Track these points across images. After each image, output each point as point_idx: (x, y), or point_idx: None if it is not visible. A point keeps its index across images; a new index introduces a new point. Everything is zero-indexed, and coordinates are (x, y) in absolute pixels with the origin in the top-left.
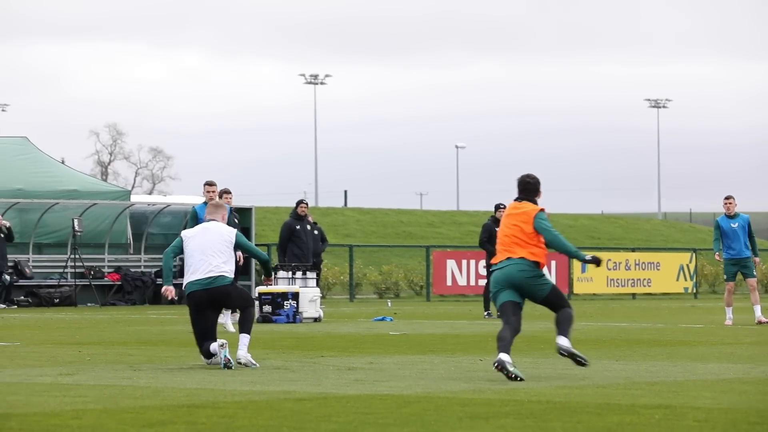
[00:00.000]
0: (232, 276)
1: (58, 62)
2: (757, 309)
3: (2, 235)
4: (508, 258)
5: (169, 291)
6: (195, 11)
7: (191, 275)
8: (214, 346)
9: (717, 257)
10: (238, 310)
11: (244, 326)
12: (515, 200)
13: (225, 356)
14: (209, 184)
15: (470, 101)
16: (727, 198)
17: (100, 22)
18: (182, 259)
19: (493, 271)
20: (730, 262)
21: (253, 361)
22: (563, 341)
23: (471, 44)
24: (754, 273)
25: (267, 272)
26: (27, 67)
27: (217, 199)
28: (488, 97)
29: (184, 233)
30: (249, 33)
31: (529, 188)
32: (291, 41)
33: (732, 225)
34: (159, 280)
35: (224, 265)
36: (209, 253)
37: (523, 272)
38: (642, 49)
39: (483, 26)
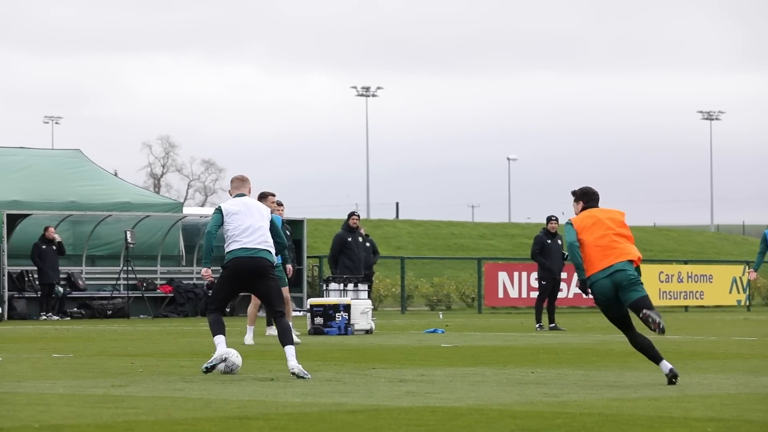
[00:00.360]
0: (275, 256)
1: (113, 75)
2: None
3: (54, 248)
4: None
5: (207, 274)
6: (250, 24)
7: (237, 244)
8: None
9: (751, 275)
10: (271, 312)
11: (286, 338)
12: (593, 207)
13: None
14: (272, 194)
15: (522, 114)
16: None
17: (155, 35)
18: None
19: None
20: None
21: (306, 372)
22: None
23: (524, 57)
24: None
25: (284, 259)
26: (80, 80)
27: (279, 209)
28: (540, 110)
29: (225, 207)
30: (302, 46)
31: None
32: (344, 54)
33: None
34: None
35: (270, 241)
36: (256, 226)
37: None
38: (694, 62)
39: (536, 39)
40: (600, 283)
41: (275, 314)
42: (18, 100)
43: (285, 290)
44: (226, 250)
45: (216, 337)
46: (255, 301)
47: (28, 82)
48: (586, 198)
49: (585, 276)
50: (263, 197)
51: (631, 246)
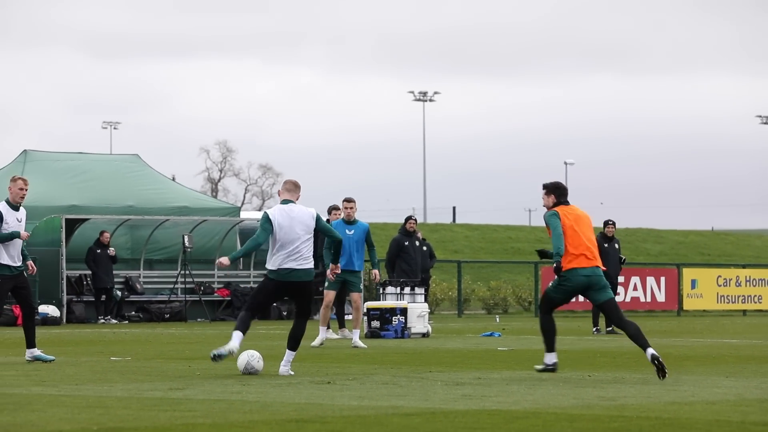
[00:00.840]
0: (313, 265)
1: (171, 80)
2: None
3: (108, 253)
4: (596, 267)
5: (225, 262)
6: (308, 29)
7: (278, 262)
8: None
9: None
10: (295, 310)
11: (293, 343)
12: (566, 203)
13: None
14: (348, 200)
15: (580, 118)
16: None
17: (214, 40)
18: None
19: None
20: None
21: (291, 372)
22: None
23: (581, 60)
24: None
25: (336, 256)
26: (139, 86)
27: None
28: (598, 114)
29: (271, 213)
30: (360, 51)
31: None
32: (402, 58)
33: None
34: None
35: (309, 254)
36: (297, 242)
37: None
38: (752, 65)
39: (595, 43)
40: (577, 278)
41: (297, 315)
42: (77, 105)
43: (357, 296)
44: (269, 261)
45: (235, 331)
46: (326, 302)
47: (87, 87)
48: (558, 192)
49: (561, 264)
50: (335, 209)
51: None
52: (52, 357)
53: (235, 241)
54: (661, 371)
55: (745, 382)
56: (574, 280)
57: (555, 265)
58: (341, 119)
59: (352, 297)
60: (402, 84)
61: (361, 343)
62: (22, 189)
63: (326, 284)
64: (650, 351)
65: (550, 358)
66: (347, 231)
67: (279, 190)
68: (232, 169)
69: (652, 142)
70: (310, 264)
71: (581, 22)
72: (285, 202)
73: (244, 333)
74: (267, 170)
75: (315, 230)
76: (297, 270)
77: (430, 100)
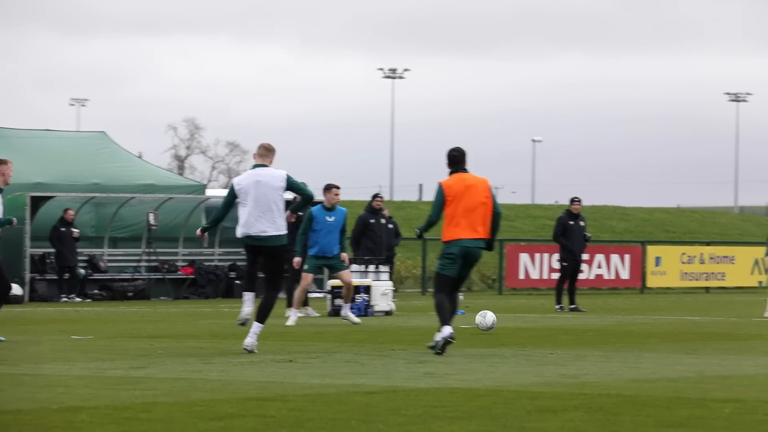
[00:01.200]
0: (284, 231)
1: (142, 58)
2: None
3: (72, 233)
4: (477, 239)
5: (198, 233)
6: (280, 7)
7: (245, 224)
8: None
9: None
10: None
11: (261, 315)
12: (460, 172)
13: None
14: (336, 187)
15: (548, 96)
16: None
17: (186, 17)
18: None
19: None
20: None
21: (255, 350)
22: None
23: (549, 40)
24: None
25: (299, 206)
26: (107, 63)
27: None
28: (567, 93)
29: (236, 182)
30: (332, 28)
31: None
32: (373, 36)
33: None
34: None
35: (278, 219)
36: (263, 206)
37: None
38: (722, 43)
39: (563, 22)
40: (454, 248)
41: (266, 285)
42: (45, 82)
43: (346, 273)
44: (238, 227)
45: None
46: (303, 285)
47: (55, 64)
48: (449, 161)
49: (423, 231)
50: (327, 190)
51: (488, 218)
52: (3, 338)
53: (201, 219)
54: (442, 348)
55: (707, 360)
56: (453, 250)
57: (417, 231)
58: (311, 96)
59: (341, 276)
60: (373, 62)
61: (353, 317)
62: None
63: (305, 267)
64: (448, 329)
65: (446, 330)
66: (327, 218)
67: (254, 155)
68: (200, 147)
69: (620, 120)
70: (280, 230)
71: (552, 2)
72: (256, 166)
73: (254, 292)
74: (234, 147)
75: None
76: (265, 234)
77: (400, 77)
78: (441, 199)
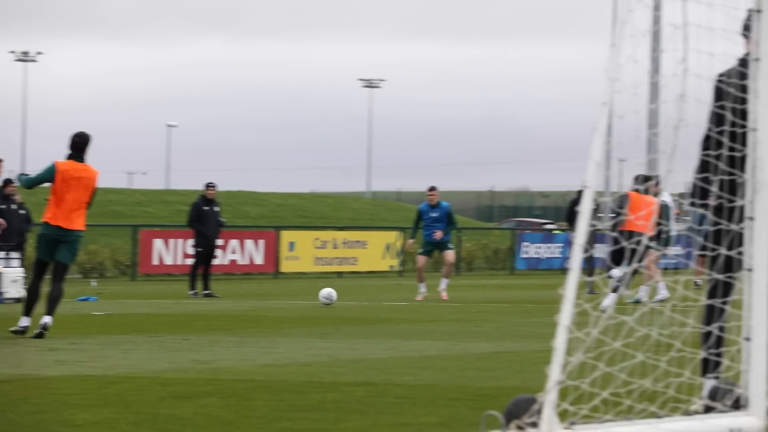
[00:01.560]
0: None
1: None
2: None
3: None
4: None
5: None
6: None
7: None
8: None
9: (410, 243)
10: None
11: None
12: (76, 159)
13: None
14: (431, 188)
15: (185, 80)
16: (430, 190)
17: None
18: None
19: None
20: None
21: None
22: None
23: (189, 24)
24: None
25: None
26: None
27: None
28: (203, 77)
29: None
30: None
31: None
32: (5, 17)
33: (432, 215)
34: None
35: None
36: None
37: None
38: (359, 31)
39: (203, 6)
40: (43, 231)
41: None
42: None
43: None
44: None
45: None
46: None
47: None
48: (70, 144)
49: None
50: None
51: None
52: None
53: None
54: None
55: (339, 343)
56: (43, 232)
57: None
58: None
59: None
60: (4, 43)
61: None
62: None
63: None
64: (48, 319)
65: (25, 321)
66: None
67: None
68: None
69: (256, 105)
70: None
71: None
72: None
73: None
74: None
75: None
76: None
77: (33, 61)
78: (51, 176)
